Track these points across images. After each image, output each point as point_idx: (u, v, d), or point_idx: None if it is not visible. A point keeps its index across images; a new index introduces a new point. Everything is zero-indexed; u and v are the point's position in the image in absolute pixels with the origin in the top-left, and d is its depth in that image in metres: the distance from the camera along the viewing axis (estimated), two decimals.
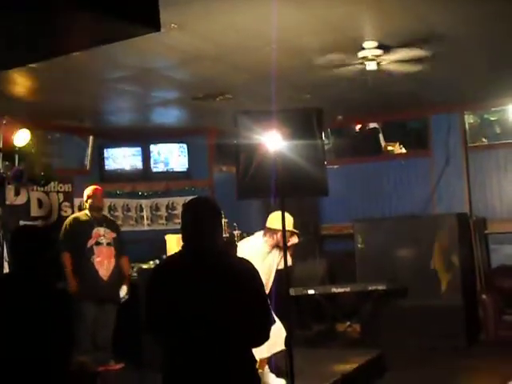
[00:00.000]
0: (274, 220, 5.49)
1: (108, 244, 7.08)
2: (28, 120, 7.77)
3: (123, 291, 7.14)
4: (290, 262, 5.82)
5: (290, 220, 5.49)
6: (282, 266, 5.43)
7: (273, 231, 5.61)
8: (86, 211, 7.15)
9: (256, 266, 5.42)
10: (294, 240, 5.73)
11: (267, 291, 5.49)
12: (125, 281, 7.20)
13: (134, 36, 3.31)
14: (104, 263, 6.99)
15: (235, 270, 3.08)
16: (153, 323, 3.15)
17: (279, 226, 5.10)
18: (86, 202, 7.17)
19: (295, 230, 5.71)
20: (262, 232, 5.76)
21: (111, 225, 7.32)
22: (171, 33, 5.15)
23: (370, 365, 6.64)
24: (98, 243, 7.00)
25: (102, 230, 7.07)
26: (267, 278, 5.54)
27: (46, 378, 3.14)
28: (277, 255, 5.71)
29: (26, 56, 3.63)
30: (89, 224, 7.02)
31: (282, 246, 5.49)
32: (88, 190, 7.19)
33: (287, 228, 5.15)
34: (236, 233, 8.19)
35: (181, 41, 5.47)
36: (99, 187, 7.35)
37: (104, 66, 6.11)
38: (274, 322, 3.13)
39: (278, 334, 4.86)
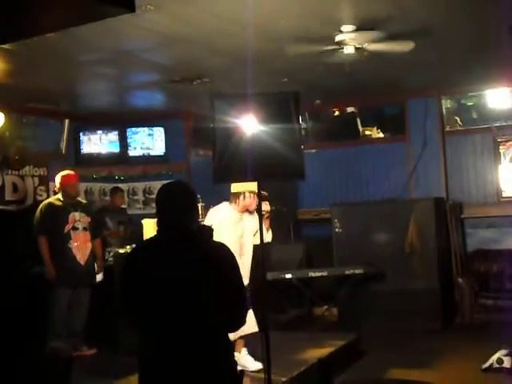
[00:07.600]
0: (237, 185, 5.41)
1: (84, 229, 7.03)
2: (2, 103, 7.67)
3: (100, 275, 7.18)
4: (269, 238, 5.74)
5: (254, 184, 5.31)
6: (266, 239, 5.41)
7: (236, 195, 5.49)
8: (59, 196, 7.01)
9: (227, 232, 5.40)
10: (264, 206, 5.52)
11: (243, 264, 5.37)
12: (98, 263, 7.21)
13: (107, 17, 3.25)
14: (81, 248, 6.95)
15: (210, 254, 3.06)
16: (128, 307, 3.12)
17: (242, 188, 5.24)
18: (60, 189, 7.01)
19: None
20: (227, 202, 5.65)
21: (86, 209, 7.21)
22: (147, 14, 5.09)
23: (347, 348, 6.67)
24: (74, 228, 6.94)
25: (77, 215, 6.99)
26: (239, 247, 5.43)
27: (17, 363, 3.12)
28: (252, 223, 5.53)
29: None
30: (64, 209, 6.93)
31: (253, 211, 5.52)
32: (61, 178, 7.00)
33: (251, 189, 5.29)
34: None
35: (157, 23, 5.41)
36: (73, 174, 7.12)
37: (79, 47, 6.03)
38: (250, 306, 3.10)
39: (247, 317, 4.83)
